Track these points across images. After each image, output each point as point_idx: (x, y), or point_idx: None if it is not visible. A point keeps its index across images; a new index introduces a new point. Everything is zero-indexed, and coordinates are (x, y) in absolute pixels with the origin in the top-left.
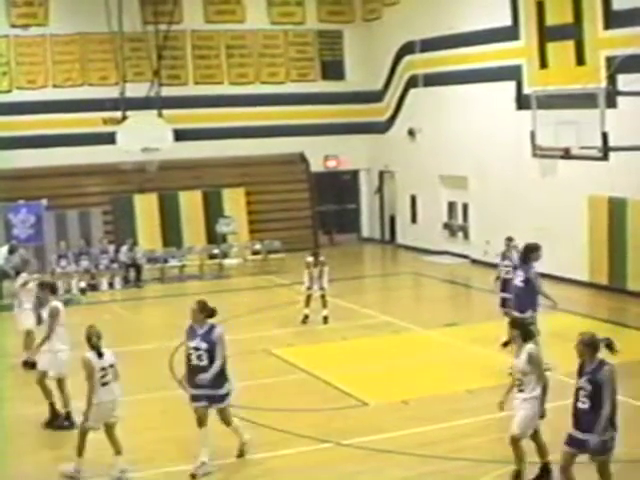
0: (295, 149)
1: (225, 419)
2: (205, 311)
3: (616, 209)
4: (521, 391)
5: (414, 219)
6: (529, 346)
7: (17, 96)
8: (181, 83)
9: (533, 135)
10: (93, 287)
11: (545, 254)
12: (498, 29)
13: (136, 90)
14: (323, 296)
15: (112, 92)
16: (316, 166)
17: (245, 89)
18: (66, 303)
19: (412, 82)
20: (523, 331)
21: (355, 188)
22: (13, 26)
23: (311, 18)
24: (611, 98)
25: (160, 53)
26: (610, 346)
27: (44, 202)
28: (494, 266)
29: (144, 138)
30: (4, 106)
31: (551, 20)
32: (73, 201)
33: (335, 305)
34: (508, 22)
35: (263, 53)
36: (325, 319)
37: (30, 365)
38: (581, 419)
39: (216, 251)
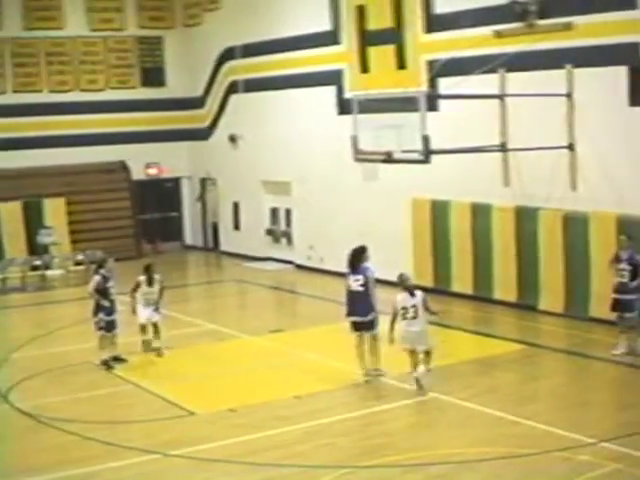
0: (116, 157)
1: None
2: None
3: (439, 211)
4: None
5: (237, 226)
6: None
7: None
8: None
9: (355, 139)
10: None
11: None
12: (319, 34)
13: None
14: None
15: None
16: (138, 174)
17: (65, 97)
18: None
19: (232, 88)
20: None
21: (177, 196)
22: None
23: (131, 24)
24: (432, 101)
25: None
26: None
27: None
28: (319, 271)
29: None
30: None
31: (372, 24)
32: None
33: None
34: (328, 27)
35: (83, 60)
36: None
37: None
38: None
39: (38, 262)
